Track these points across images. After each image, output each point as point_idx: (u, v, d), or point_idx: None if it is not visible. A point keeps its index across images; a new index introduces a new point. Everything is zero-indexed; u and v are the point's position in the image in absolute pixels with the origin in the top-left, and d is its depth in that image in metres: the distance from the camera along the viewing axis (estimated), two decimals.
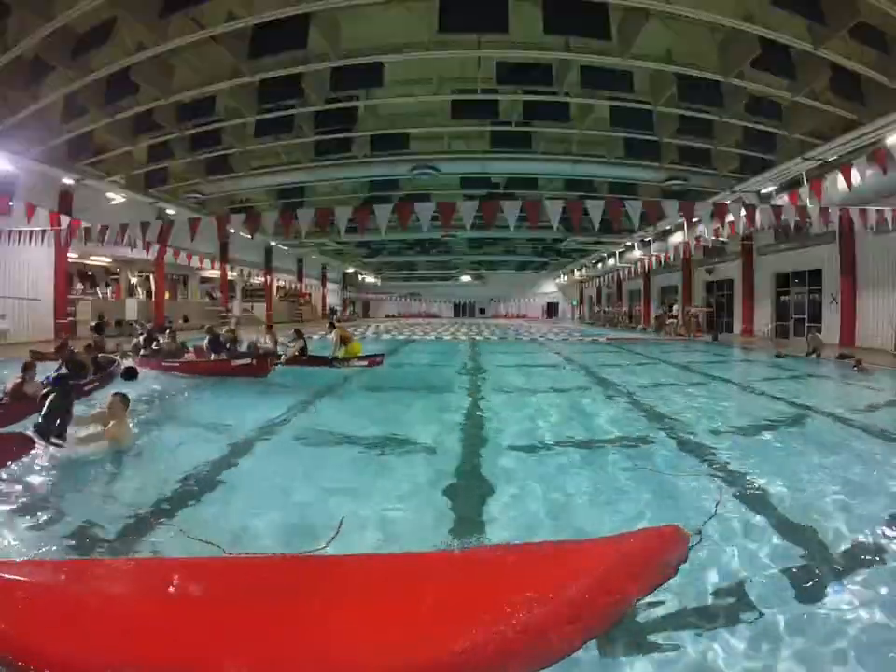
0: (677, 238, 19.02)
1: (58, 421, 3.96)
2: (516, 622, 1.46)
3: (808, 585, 2.20)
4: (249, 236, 14.60)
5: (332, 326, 10.27)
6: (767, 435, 4.84)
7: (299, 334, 9.95)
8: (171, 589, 1.67)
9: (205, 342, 9.12)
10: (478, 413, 5.88)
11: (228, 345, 8.95)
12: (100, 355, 7.84)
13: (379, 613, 1.56)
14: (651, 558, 1.94)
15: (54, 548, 2.51)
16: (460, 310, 48.18)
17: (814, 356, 11.07)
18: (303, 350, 9.66)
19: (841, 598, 2.10)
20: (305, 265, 33.70)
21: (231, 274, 24.83)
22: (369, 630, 1.48)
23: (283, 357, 9.24)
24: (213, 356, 8.80)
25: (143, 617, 1.50)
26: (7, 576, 1.60)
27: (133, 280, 22.46)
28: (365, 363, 9.32)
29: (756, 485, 3.40)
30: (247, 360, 8.13)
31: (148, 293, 22.17)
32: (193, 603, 1.64)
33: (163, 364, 8.72)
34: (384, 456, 4.19)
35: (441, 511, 3.07)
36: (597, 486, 3.45)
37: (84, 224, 9.15)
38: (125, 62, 9.22)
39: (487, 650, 1.38)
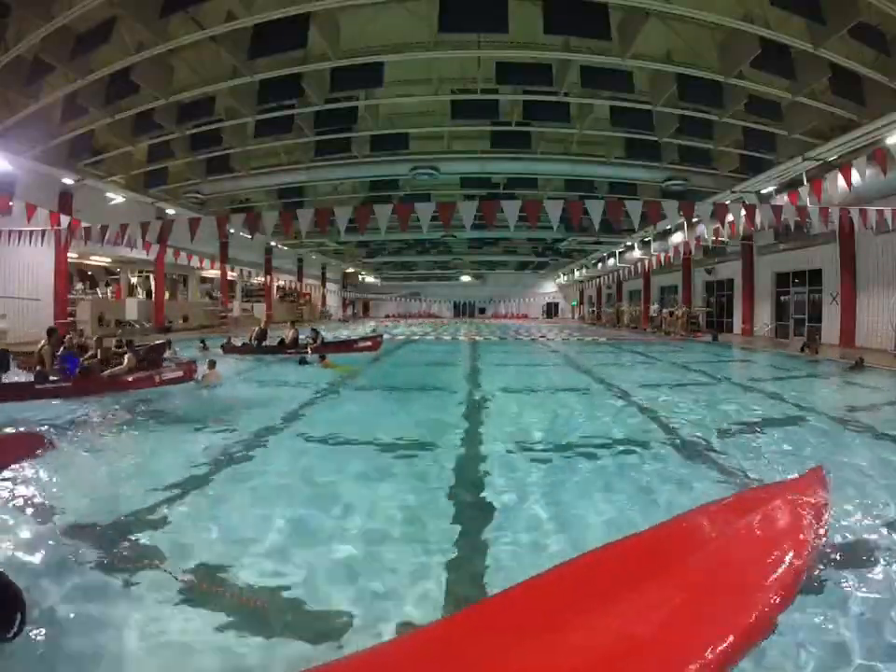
0: (677, 238, 19.01)
1: None
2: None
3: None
4: (249, 236, 14.65)
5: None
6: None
7: (315, 331, 11.95)
8: None
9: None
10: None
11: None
12: None
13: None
14: (821, 499, 1.96)
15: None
16: (460, 310, 48.18)
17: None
18: (323, 340, 11.72)
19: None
20: (305, 265, 33.69)
21: (230, 274, 24.82)
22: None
23: (308, 346, 11.11)
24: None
25: None
26: None
27: (133, 280, 22.47)
28: (369, 343, 11.05)
29: None
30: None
31: (148, 293, 22.16)
32: None
33: None
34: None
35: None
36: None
37: (84, 224, 9.12)
38: (125, 62, 9.23)
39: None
